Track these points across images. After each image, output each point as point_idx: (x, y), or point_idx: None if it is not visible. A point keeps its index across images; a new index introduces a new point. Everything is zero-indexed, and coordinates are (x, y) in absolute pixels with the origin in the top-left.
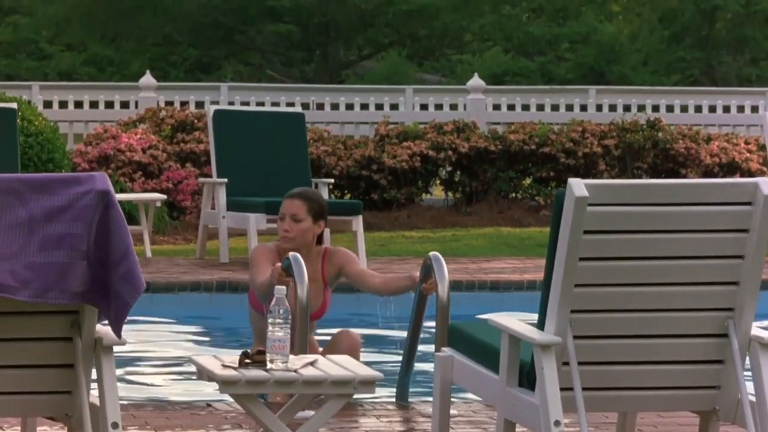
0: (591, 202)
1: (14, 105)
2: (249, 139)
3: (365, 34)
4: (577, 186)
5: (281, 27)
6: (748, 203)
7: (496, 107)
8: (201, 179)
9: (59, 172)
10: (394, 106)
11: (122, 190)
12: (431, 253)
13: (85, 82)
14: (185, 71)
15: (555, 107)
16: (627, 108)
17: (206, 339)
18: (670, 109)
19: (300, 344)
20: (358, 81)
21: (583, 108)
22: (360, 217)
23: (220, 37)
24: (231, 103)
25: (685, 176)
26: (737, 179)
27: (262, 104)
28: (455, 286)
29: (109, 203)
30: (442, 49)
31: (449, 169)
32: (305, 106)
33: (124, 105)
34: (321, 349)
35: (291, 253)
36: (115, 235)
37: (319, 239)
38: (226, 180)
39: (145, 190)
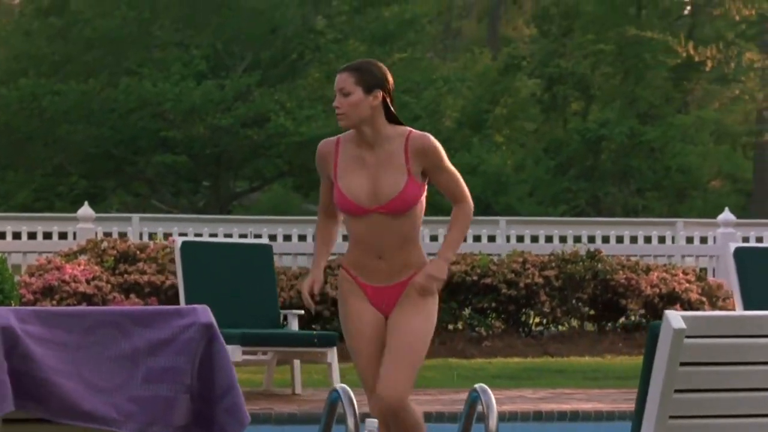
0: (688, 334)
1: None
2: (217, 270)
3: (256, 165)
4: (675, 318)
5: (171, 158)
6: None
7: (433, 238)
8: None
9: (8, 304)
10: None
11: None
12: (478, 386)
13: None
14: (71, 202)
15: (492, 238)
16: (563, 239)
17: None
18: (606, 239)
19: None
20: (244, 212)
21: (520, 239)
22: (335, 349)
23: (111, 168)
24: (175, 235)
25: (625, 307)
26: None
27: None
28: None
29: (213, 336)
30: None
31: None
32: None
33: (62, 236)
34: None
35: (339, 386)
36: (219, 368)
37: (392, 117)
38: None
39: None
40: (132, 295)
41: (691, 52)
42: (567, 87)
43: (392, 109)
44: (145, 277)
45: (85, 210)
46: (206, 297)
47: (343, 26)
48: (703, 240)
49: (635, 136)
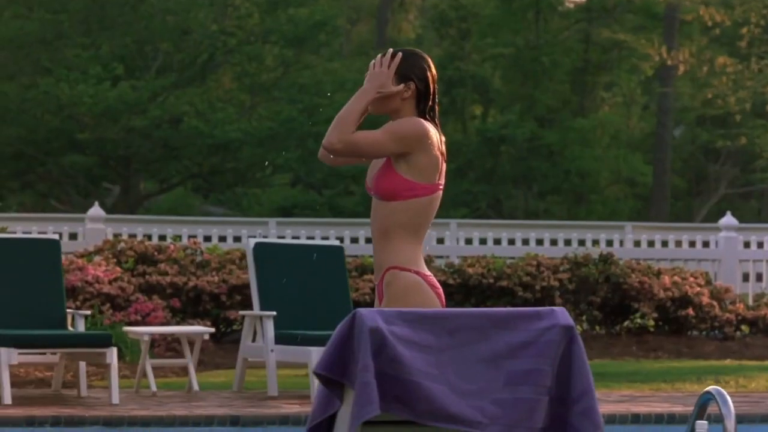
0: None
1: None
2: (290, 272)
3: (167, 167)
4: None
5: (81, 159)
6: None
7: (440, 240)
8: (242, 312)
9: None
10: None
11: (95, 324)
12: (713, 388)
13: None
14: None
15: (497, 241)
16: (567, 243)
17: None
18: (609, 243)
19: None
20: (145, 213)
21: (526, 242)
22: None
23: (20, 168)
24: (212, 238)
25: (638, 310)
26: None
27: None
28: None
29: (573, 338)
30: (244, 182)
31: None
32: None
33: (72, 236)
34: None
35: (713, 388)
36: (578, 370)
37: (426, 110)
38: (274, 313)
39: (114, 323)
40: (155, 296)
41: (665, 55)
42: (466, 90)
43: (432, 103)
44: (167, 278)
45: (95, 210)
46: (280, 299)
47: (254, 28)
48: (705, 244)
49: (535, 139)
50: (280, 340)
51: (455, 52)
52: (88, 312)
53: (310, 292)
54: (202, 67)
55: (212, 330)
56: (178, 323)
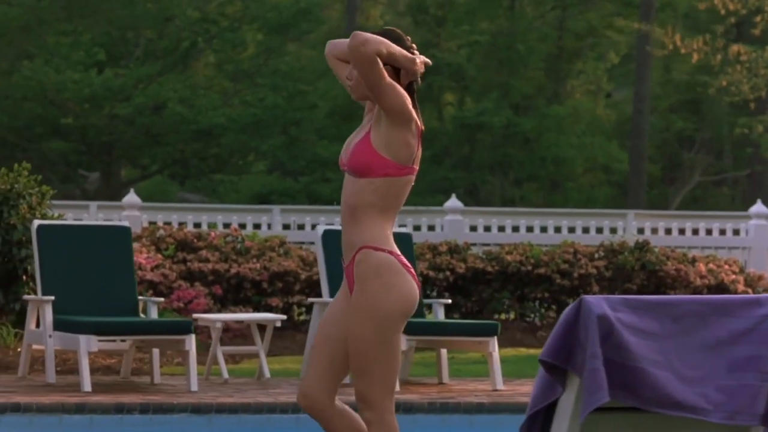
0: None
1: None
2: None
3: (150, 153)
4: None
5: (63, 145)
6: None
7: (473, 228)
8: (311, 299)
9: None
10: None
11: (143, 311)
12: None
13: None
14: None
15: (530, 228)
16: (598, 230)
17: None
18: (640, 231)
19: None
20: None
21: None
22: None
23: (3, 154)
24: (227, 225)
25: None
26: None
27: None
28: None
29: None
30: (226, 169)
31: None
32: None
33: None
34: None
35: None
36: None
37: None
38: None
39: (163, 311)
40: (197, 284)
41: (678, 44)
42: (442, 77)
43: (414, 81)
44: (209, 265)
45: (131, 197)
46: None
47: (237, 14)
48: (736, 232)
49: (511, 127)
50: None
51: (431, 40)
52: (161, 299)
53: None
54: (184, 54)
55: (284, 317)
56: (219, 310)
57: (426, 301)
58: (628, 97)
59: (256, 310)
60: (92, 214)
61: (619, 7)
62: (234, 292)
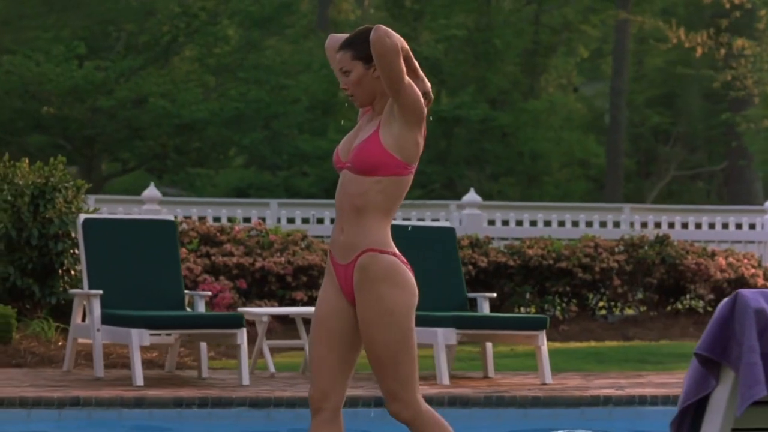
0: None
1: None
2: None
3: (132, 147)
4: None
5: (44, 139)
6: None
7: (491, 222)
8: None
9: None
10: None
11: (189, 304)
12: None
13: None
14: None
15: (547, 222)
16: (616, 224)
17: None
18: (657, 225)
19: None
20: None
21: (575, 224)
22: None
23: None
24: (249, 219)
25: (694, 291)
26: None
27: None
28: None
29: None
30: (208, 162)
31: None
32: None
33: None
34: None
35: None
36: None
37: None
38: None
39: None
40: (221, 277)
41: (682, 38)
42: None
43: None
44: (234, 259)
45: (151, 191)
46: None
47: (218, 8)
48: (752, 226)
49: (488, 121)
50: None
51: (408, 34)
52: (209, 293)
53: (418, 273)
54: (165, 48)
55: None
56: (244, 304)
57: (470, 295)
58: (602, 92)
59: (281, 304)
60: (111, 208)
61: (594, 1)
62: (258, 286)
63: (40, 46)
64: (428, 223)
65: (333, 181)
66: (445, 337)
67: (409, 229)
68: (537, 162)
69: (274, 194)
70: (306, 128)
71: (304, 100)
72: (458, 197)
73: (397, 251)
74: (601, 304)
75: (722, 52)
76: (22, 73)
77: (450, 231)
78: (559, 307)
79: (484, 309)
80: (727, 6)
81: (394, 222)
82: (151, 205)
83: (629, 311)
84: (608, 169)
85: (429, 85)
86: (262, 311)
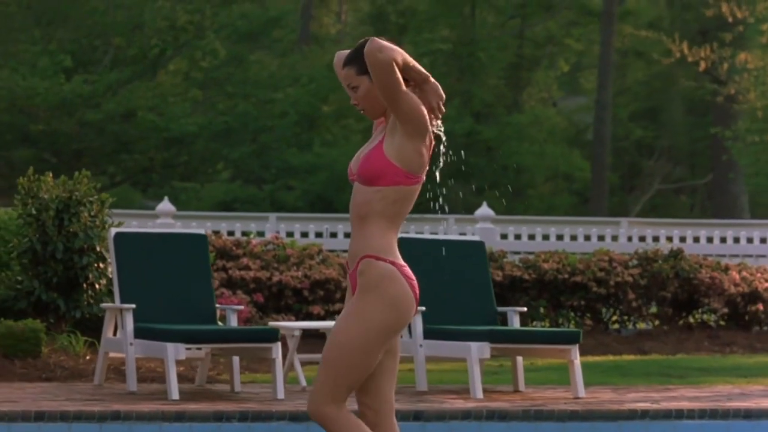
0: None
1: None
2: (430, 267)
3: (119, 160)
4: None
5: (32, 153)
6: None
7: (504, 236)
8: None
9: None
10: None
11: (221, 319)
12: None
13: None
14: None
15: (559, 236)
16: (622, 238)
17: None
18: (669, 239)
19: None
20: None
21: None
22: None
23: None
24: (261, 233)
25: (707, 305)
26: None
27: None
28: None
29: None
30: (196, 176)
31: None
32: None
33: None
34: None
35: None
36: None
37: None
38: (422, 308)
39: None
40: (239, 291)
41: (685, 51)
42: None
43: (416, 75)
44: (251, 273)
45: (165, 205)
46: (423, 295)
47: (205, 22)
48: (763, 240)
49: (472, 134)
50: (428, 335)
51: None
52: (241, 307)
53: (448, 287)
54: (153, 62)
55: None
56: (261, 318)
57: (500, 309)
58: (583, 106)
59: (297, 318)
60: (126, 223)
61: (578, 15)
62: (275, 300)
63: (28, 60)
64: (457, 236)
65: (318, 195)
66: (479, 351)
67: (443, 252)
68: (521, 176)
69: (260, 208)
70: (293, 142)
71: (292, 114)
72: (444, 212)
73: (399, 260)
74: (614, 318)
75: (725, 66)
76: (10, 87)
77: (479, 245)
78: (573, 321)
79: (515, 323)
80: (730, 20)
81: (423, 236)
82: (165, 219)
83: (641, 325)
84: (593, 183)
85: (442, 94)
86: (294, 325)
